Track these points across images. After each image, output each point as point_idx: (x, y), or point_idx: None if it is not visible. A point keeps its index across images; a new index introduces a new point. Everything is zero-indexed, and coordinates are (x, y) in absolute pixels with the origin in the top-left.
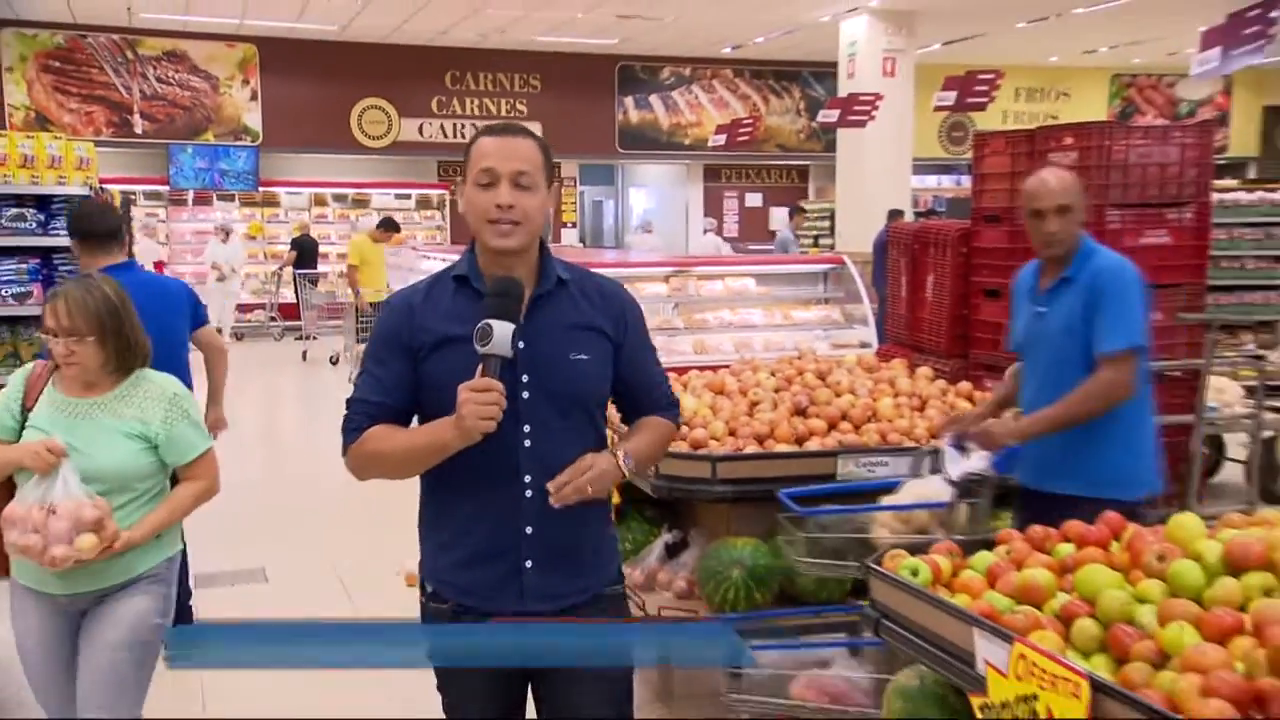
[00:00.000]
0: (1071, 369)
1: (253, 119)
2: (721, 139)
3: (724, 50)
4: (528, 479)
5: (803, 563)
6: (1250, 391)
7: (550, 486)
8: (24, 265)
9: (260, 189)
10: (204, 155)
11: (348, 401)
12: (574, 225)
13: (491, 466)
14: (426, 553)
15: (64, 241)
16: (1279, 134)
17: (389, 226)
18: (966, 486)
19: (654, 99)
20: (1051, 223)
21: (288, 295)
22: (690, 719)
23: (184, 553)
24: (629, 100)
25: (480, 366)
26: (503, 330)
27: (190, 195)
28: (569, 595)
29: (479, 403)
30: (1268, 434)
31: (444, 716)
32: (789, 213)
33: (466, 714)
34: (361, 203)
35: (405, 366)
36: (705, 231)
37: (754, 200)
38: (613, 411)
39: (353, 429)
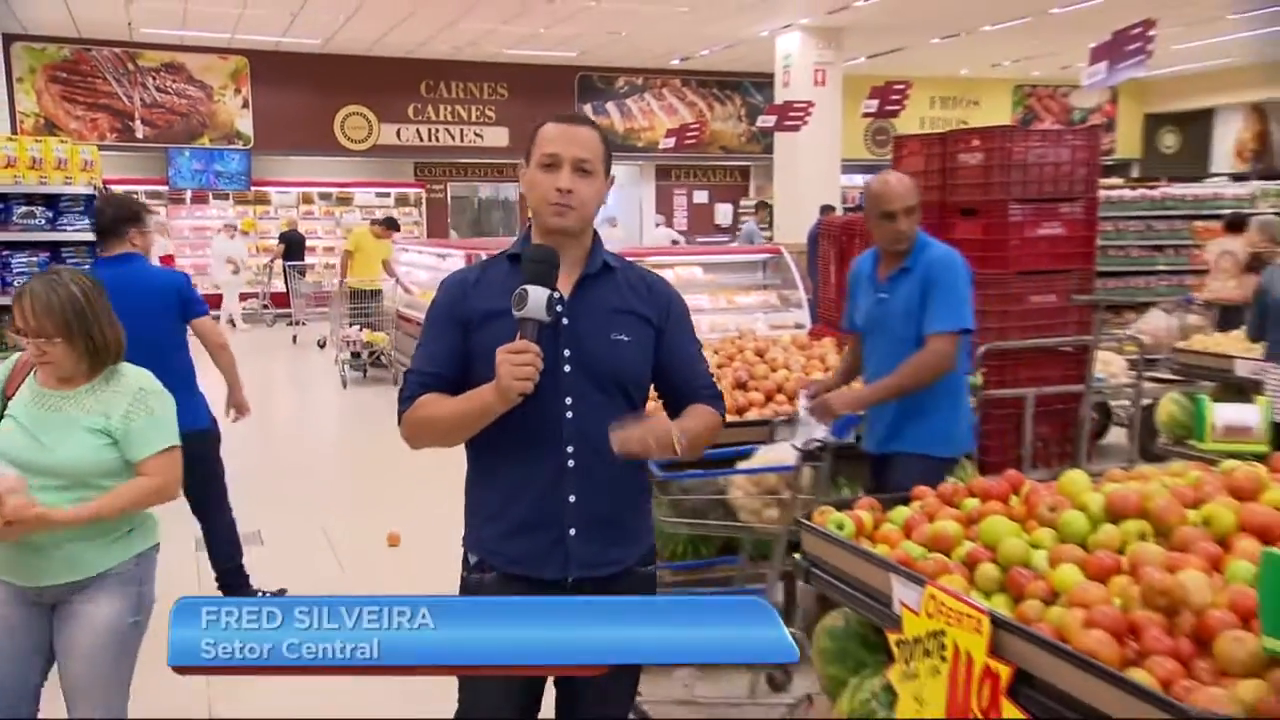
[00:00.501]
0: (910, 347)
1: (245, 125)
2: (671, 142)
3: (673, 62)
4: (570, 449)
5: (668, 522)
6: (1132, 364)
7: (617, 436)
8: (34, 258)
9: (252, 188)
10: (200, 158)
11: (404, 374)
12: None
13: (536, 437)
14: (473, 525)
15: (71, 236)
16: (1159, 138)
17: (390, 225)
18: (810, 452)
19: (610, 106)
20: (902, 222)
21: (278, 285)
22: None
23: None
24: (587, 107)
25: (519, 332)
26: (537, 295)
27: (188, 195)
28: (608, 564)
29: (515, 363)
30: (1146, 401)
31: (459, 708)
32: (755, 208)
33: (486, 700)
34: (345, 200)
35: (458, 339)
36: (657, 225)
37: (701, 197)
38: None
39: (406, 397)
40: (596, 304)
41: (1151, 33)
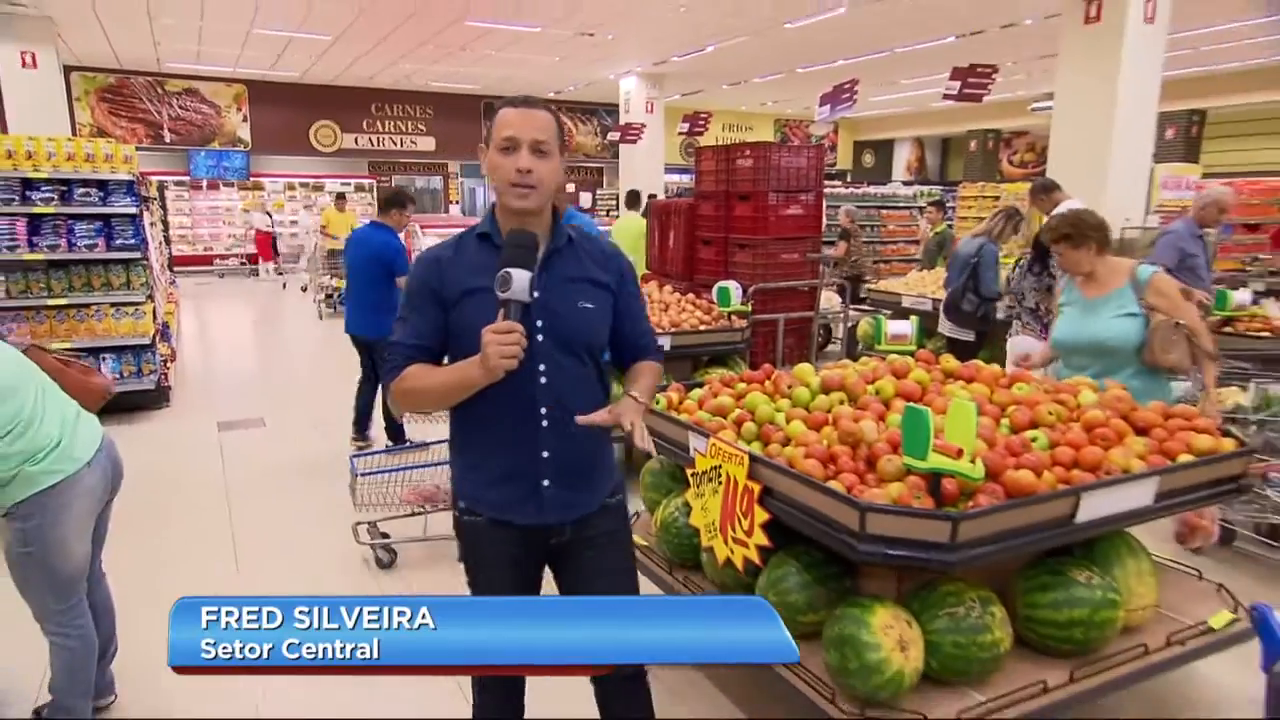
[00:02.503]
0: None
1: (244, 133)
2: None
3: (549, 93)
4: (544, 410)
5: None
6: (842, 299)
7: (635, 433)
8: (92, 226)
9: (251, 179)
10: (212, 157)
11: (389, 344)
12: (457, 203)
13: (513, 400)
14: (458, 473)
15: (118, 210)
16: (862, 156)
17: (340, 198)
18: None
19: None
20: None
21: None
22: (703, 718)
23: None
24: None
25: (501, 310)
26: (520, 277)
27: (204, 183)
28: (580, 506)
29: (502, 343)
30: (851, 324)
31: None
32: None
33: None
34: (318, 188)
35: (436, 313)
36: None
37: (570, 189)
38: None
39: (392, 369)
40: (564, 276)
41: (856, 88)
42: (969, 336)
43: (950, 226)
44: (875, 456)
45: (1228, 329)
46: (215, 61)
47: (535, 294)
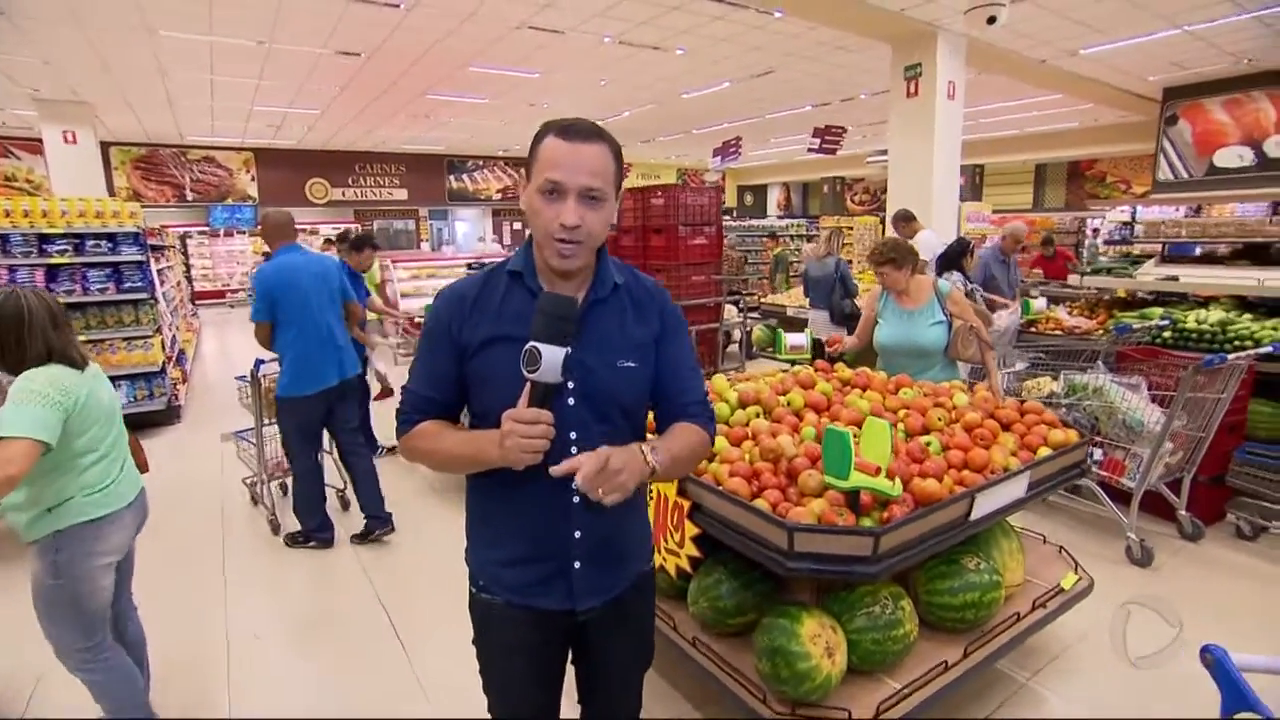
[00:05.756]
0: None
1: (252, 190)
2: (499, 196)
3: (499, 151)
4: (576, 483)
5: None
6: (740, 311)
7: (581, 487)
8: (103, 273)
9: (258, 227)
10: (227, 210)
11: (403, 388)
12: (427, 240)
13: (539, 472)
14: (474, 548)
15: (127, 258)
16: (745, 197)
17: (328, 243)
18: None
19: (465, 176)
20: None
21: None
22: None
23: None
24: (452, 176)
25: (527, 390)
26: (552, 356)
27: (221, 232)
28: (615, 587)
29: (525, 435)
30: (747, 331)
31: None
32: None
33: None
34: (313, 233)
35: (452, 362)
36: (479, 239)
37: (516, 225)
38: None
39: (404, 420)
40: (605, 331)
41: (740, 144)
42: (842, 333)
43: (790, 250)
44: (795, 471)
45: (1032, 330)
46: (226, 133)
47: (570, 383)
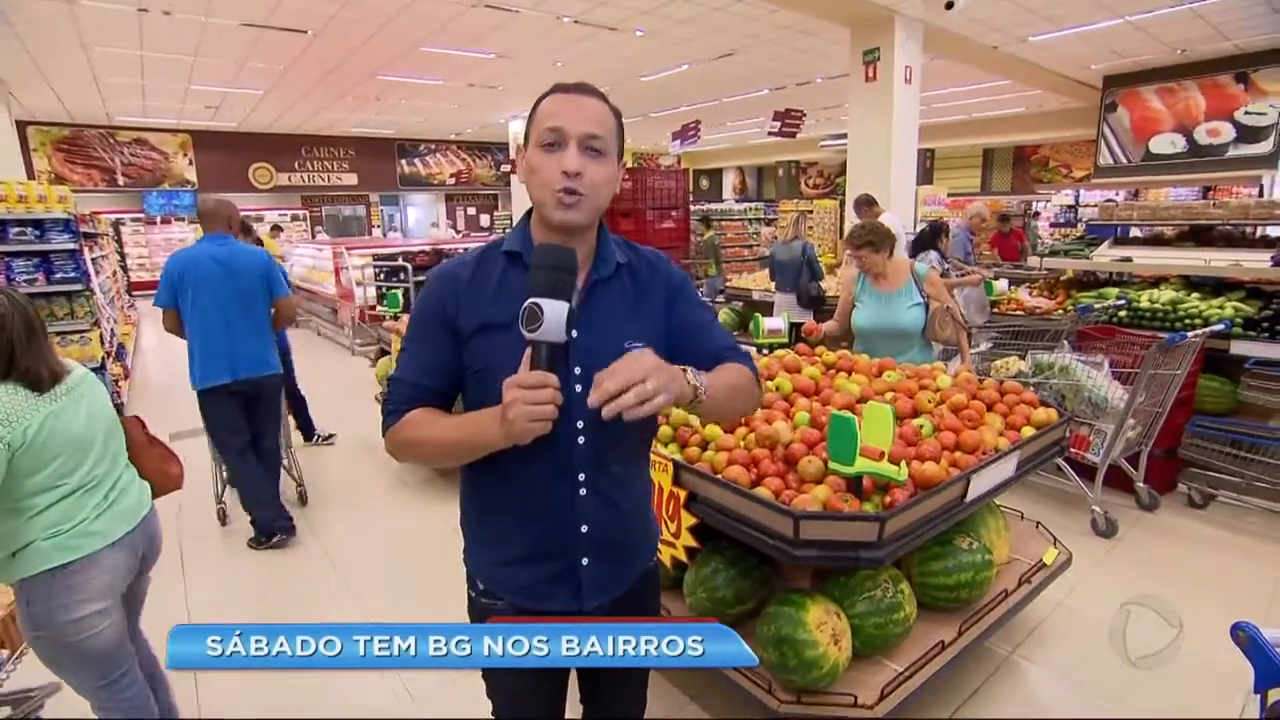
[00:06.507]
0: None
1: (191, 174)
2: (453, 181)
3: (451, 135)
4: (582, 477)
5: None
6: (707, 295)
7: (596, 397)
8: (30, 262)
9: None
10: (164, 196)
11: (389, 379)
12: (377, 226)
13: (544, 464)
14: (472, 547)
15: (57, 247)
16: (700, 181)
17: (275, 229)
18: None
19: (417, 160)
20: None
21: None
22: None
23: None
24: (404, 161)
25: (528, 354)
26: (554, 311)
27: (158, 219)
28: (622, 582)
29: (530, 401)
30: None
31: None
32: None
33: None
34: (258, 219)
35: (446, 346)
36: (433, 225)
37: (472, 211)
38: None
39: (391, 411)
40: (610, 311)
41: (700, 127)
42: (808, 317)
43: (719, 234)
44: (793, 457)
45: (995, 310)
46: (160, 114)
47: (573, 333)
